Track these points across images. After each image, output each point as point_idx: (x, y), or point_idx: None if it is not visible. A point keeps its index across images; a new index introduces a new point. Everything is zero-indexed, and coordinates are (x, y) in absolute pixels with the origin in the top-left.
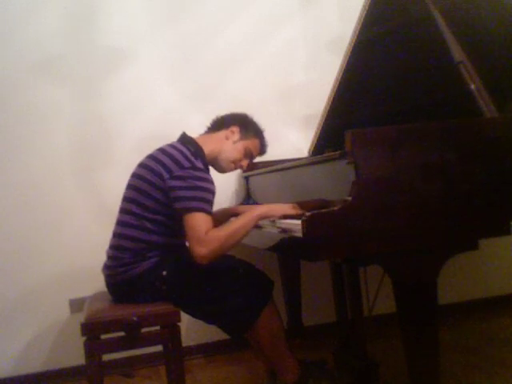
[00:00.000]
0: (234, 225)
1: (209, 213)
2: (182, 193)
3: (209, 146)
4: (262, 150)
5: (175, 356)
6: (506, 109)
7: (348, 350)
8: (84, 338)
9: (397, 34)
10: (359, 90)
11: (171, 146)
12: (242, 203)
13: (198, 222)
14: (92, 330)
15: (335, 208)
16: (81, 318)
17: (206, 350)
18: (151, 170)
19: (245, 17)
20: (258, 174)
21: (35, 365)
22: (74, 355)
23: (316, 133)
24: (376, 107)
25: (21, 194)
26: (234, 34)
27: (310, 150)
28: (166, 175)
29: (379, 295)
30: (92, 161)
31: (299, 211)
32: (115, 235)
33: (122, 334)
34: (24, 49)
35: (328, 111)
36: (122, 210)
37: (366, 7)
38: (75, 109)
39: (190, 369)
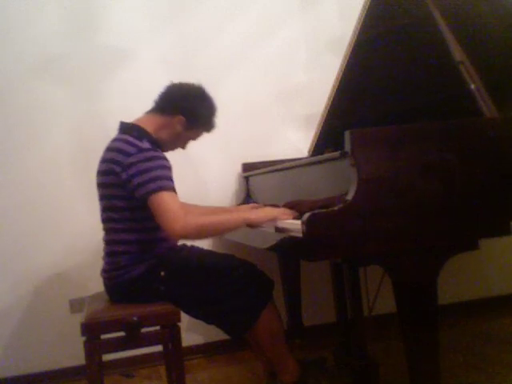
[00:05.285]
0: (218, 218)
1: (171, 188)
2: (137, 180)
3: (152, 128)
4: (207, 132)
5: (175, 356)
6: (505, 109)
7: (348, 350)
8: (84, 338)
9: (397, 34)
10: (359, 89)
11: (114, 139)
12: (243, 203)
13: (165, 200)
14: (92, 330)
15: (335, 208)
16: (81, 318)
17: (206, 350)
18: (105, 172)
19: (245, 17)
20: (257, 174)
21: (35, 365)
22: (74, 355)
23: (316, 133)
24: (376, 107)
25: (21, 193)
26: (234, 34)
27: (309, 150)
28: (118, 169)
29: (379, 295)
30: (92, 161)
31: (291, 217)
32: (107, 243)
33: (122, 334)
34: (24, 49)
35: (328, 111)
36: (104, 220)
37: (366, 7)
38: (75, 109)
39: (189, 369)
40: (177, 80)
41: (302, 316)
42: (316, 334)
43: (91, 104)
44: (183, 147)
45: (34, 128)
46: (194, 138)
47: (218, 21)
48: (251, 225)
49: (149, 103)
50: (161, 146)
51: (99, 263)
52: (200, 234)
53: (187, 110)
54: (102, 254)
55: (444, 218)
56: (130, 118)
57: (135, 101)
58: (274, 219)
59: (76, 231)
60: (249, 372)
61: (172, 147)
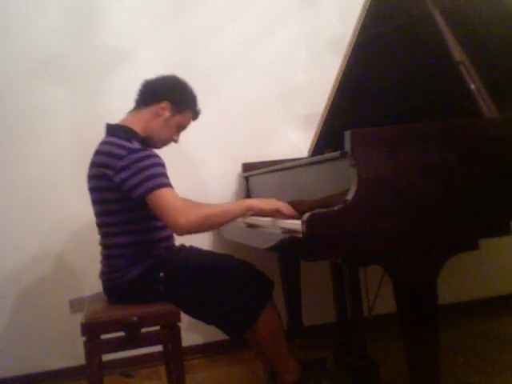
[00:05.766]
0: (220, 207)
1: (168, 184)
2: (132, 181)
3: (139, 125)
4: (194, 118)
5: (175, 356)
6: (506, 109)
7: (348, 350)
8: (84, 338)
9: (397, 34)
10: (359, 89)
11: (102, 142)
12: None
13: (165, 196)
14: (92, 330)
15: (335, 208)
16: (81, 318)
17: (206, 350)
18: (96, 176)
19: (245, 17)
20: (257, 174)
21: (35, 365)
22: (74, 355)
23: (316, 133)
24: (376, 107)
25: (21, 193)
26: (234, 33)
27: (309, 149)
28: (110, 173)
29: (379, 295)
30: None
31: (292, 212)
32: (104, 247)
33: (122, 334)
34: (24, 49)
35: (328, 111)
36: (99, 224)
37: (366, 7)
38: (75, 109)
39: (189, 369)
40: None
41: (302, 316)
42: (316, 334)
43: (91, 104)
44: (176, 139)
45: (34, 128)
46: (183, 124)
47: (218, 21)
48: (253, 211)
49: None
50: (152, 143)
51: (99, 263)
52: (204, 225)
53: (169, 93)
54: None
55: (444, 218)
56: None
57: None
58: (275, 210)
59: (76, 231)
60: (249, 372)
61: (164, 139)
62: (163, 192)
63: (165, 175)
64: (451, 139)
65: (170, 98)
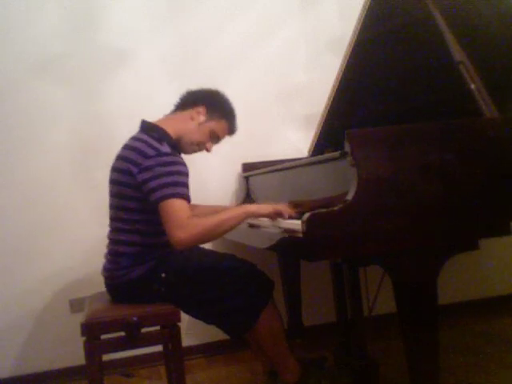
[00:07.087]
0: (220, 216)
1: (183, 196)
2: (152, 184)
3: (173, 127)
4: (230, 132)
5: (175, 356)
6: (506, 109)
7: (348, 349)
8: (84, 338)
9: (397, 34)
10: (359, 89)
11: (133, 138)
12: (243, 203)
13: (174, 207)
14: (92, 330)
15: (335, 208)
16: (81, 318)
17: (206, 350)
18: (121, 170)
19: (245, 17)
20: (257, 174)
21: (35, 365)
22: (74, 355)
23: (316, 133)
24: (376, 107)
25: (21, 193)
26: (234, 33)
27: (309, 149)
28: (134, 170)
29: (379, 295)
30: (92, 161)
31: (290, 213)
32: (111, 241)
33: (122, 334)
34: (24, 49)
35: (328, 111)
36: (112, 218)
37: (366, 7)
38: (75, 109)
39: (190, 369)
40: (177, 80)
41: (302, 316)
42: (316, 334)
43: (91, 104)
44: (208, 147)
45: (33, 128)
46: (217, 132)
47: (218, 21)
48: (251, 217)
49: (149, 103)
50: (182, 146)
51: (99, 263)
52: (204, 238)
53: (206, 99)
54: (102, 253)
55: (444, 218)
56: (129, 118)
57: (135, 101)
58: (273, 213)
59: (76, 231)
60: (249, 372)
61: (194, 143)
62: (175, 203)
63: (184, 185)
64: (451, 139)
65: (206, 103)
